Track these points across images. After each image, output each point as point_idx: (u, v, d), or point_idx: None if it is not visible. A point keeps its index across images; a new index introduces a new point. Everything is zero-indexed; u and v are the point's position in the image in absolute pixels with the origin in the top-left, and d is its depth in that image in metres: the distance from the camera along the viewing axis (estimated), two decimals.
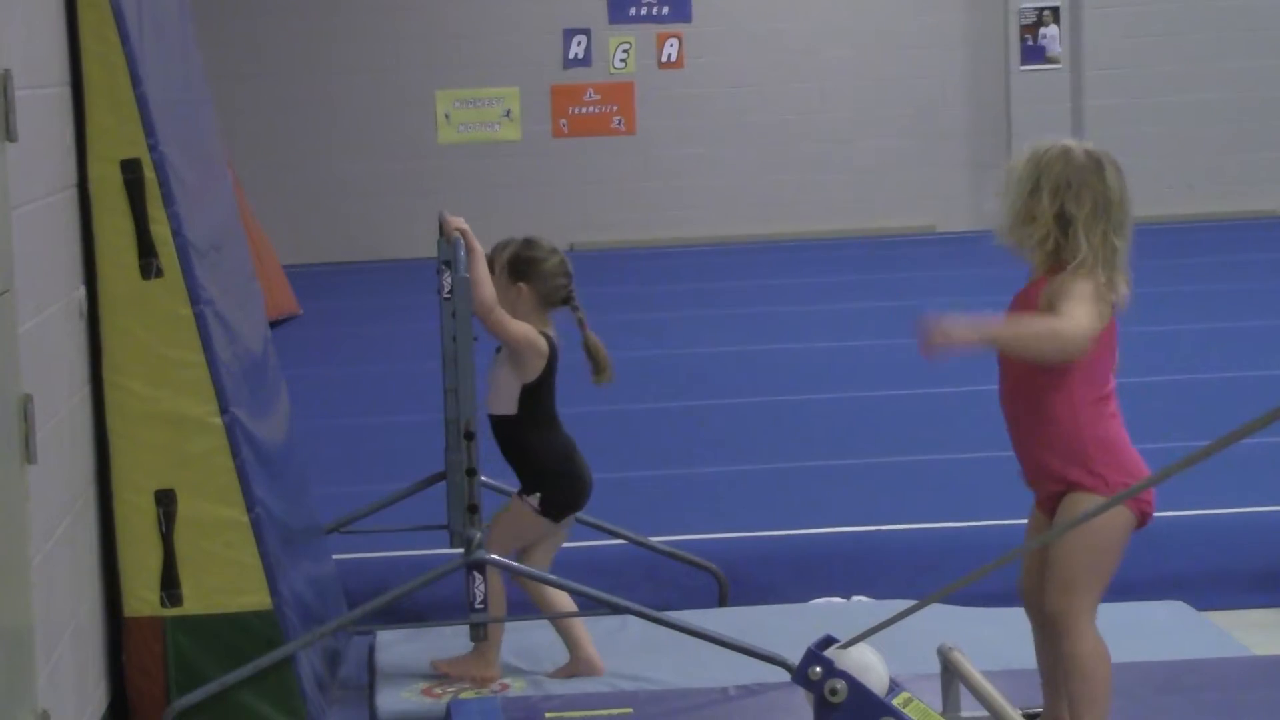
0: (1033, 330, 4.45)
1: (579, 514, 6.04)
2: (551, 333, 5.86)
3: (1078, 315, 4.41)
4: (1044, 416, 4.58)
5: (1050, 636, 4.68)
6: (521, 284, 5.83)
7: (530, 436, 5.83)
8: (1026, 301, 4.60)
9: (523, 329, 5.76)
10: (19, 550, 4.43)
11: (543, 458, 5.84)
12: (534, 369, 5.79)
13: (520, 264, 5.86)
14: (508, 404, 5.82)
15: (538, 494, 5.82)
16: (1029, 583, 4.74)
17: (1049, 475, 4.62)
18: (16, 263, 4.48)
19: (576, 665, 5.90)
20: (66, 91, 5.28)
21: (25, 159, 4.64)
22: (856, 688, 4.30)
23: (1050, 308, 4.48)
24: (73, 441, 5.13)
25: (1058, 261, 4.54)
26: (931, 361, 4.46)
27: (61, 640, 4.86)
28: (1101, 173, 4.54)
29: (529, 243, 5.90)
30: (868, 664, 4.35)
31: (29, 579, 4.50)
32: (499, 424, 5.85)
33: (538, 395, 5.82)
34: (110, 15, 5.27)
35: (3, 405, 4.35)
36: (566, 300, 5.88)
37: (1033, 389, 4.59)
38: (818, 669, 4.32)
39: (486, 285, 5.69)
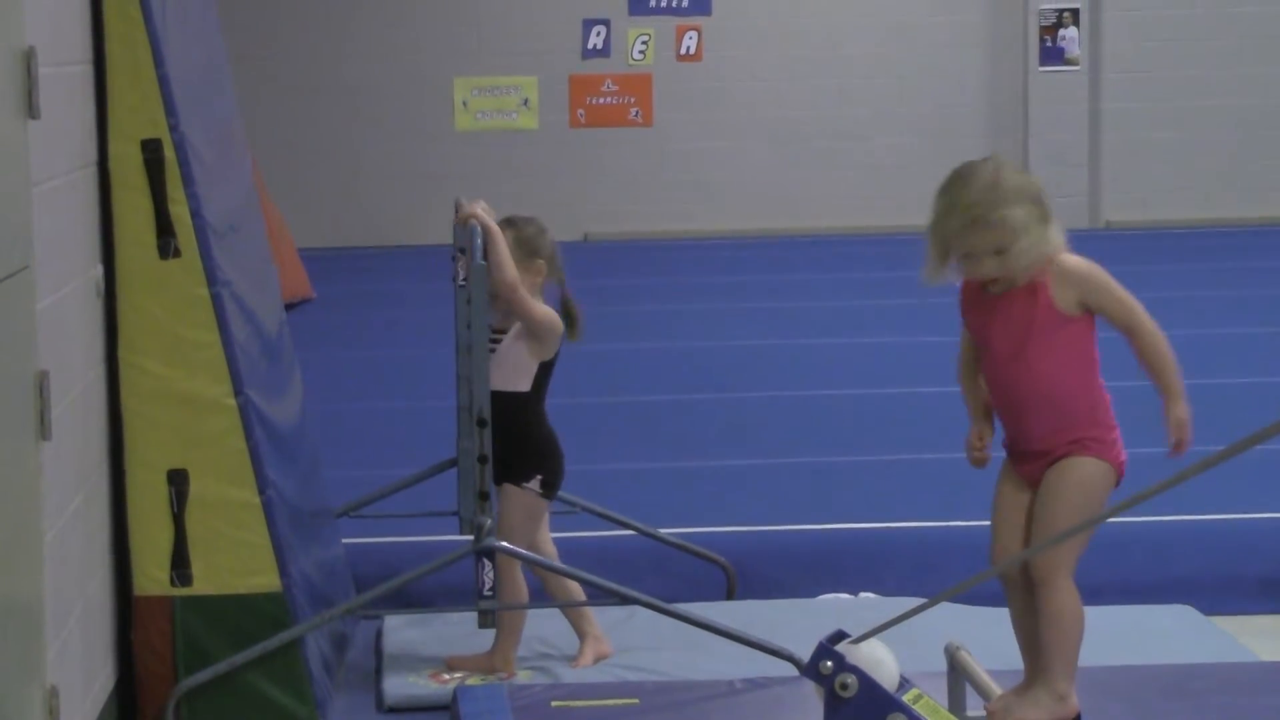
0: (1169, 359, 4.75)
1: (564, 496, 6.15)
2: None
3: (1138, 309, 4.73)
4: (1043, 386, 4.71)
5: (1031, 597, 4.74)
6: (540, 260, 5.87)
7: (536, 413, 5.87)
8: (1016, 306, 4.80)
9: (544, 310, 5.80)
10: (31, 526, 4.44)
11: (543, 434, 5.88)
12: (552, 347, 5.83)
13: (532, 242, 5.90)
14: (522, 380, 5.84)
15: (538, 476, 5.84)
16: (1008, 544, 4.79)
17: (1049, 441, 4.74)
18: (36, 240, 4.49)
19: (594, 645, 5.93)
20: (89, 70, 5.28)
21: (47, 136, 4.65)
22: (867, 683, 4.30)
23: (1080, 309, 4.74)
24: (87, 419, 5.14)
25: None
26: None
27: (71, 617, 4.86)
28: (1021, 167, 4.96)
29: (529, 220, 5.96)
30: (879, 659, 4.35)
31: (41, 555, 4.50)
32: (506, 400, 5.82)
33: (547, 373, 5.88)
34: None
35: (19, 381, 4.36)
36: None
37: (1038, 356, 4.74)
38: (829, 663, 4.32)
39: (509, 267, 5.72)
